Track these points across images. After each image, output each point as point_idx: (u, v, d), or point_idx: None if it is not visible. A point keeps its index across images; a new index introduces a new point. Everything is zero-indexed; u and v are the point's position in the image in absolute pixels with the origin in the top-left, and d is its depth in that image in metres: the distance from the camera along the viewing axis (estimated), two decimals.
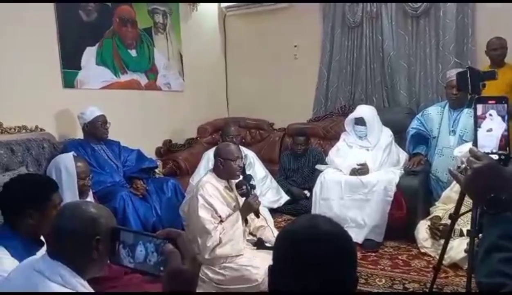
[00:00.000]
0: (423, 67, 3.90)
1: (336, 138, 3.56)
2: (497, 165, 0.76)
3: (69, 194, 1.94)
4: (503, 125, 0.77)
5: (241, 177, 2.42)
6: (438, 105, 3.24)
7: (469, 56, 3.62)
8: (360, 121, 3.28)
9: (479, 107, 0.78)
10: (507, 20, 3.44)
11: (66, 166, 1.98)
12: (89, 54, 3.26)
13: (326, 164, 3.46)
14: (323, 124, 4.14)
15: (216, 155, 2.40)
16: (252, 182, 2.36)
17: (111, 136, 3.03)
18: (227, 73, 4.88)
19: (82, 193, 2.08)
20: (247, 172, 3.60)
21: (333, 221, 0.89)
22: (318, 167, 3.50)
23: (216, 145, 3.74)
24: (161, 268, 0.69)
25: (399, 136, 3.41)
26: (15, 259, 1.32)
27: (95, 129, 2.86)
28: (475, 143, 0.80)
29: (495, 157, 0.77)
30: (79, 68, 3.18)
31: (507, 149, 0.77)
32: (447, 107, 3.14)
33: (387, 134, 3.31)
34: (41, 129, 2.84)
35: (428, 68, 3.86)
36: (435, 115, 3.17)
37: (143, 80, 3.78)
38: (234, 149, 2.39)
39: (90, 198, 2.17)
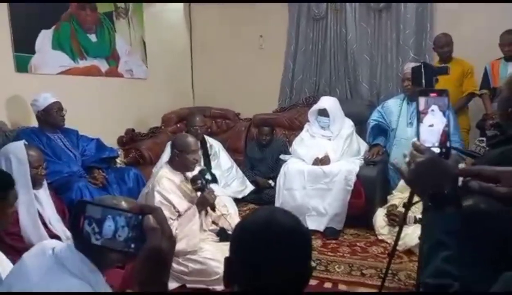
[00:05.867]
0: (384, 60, 4.00)
1: (301, 128, 3.62)
2: (439, 159, 0.76)
3: (21, 184, 1.84)
4: (444, 120, 0.78)
5: (196, 171, 2.37)
6: (397, 98, 3.34)
7: (426, 50, 3.76)
8: (323, 112, 3.35)
9: (422, 101, 0.79)
10: (464, 15, 3.58)
11: (17, 155, 1.87)
12: (45, 38, 3.09)
13: (290, 154, 3.51)
14: (288, 115, 4.18)
15: (172, 146, 2.35)
16: (207, 176, 2.33)
17: (70, 124, 2.89)
18: (192, 61, 4.80)
19: (36, 182, 1.99)
20: (212, 162, 3.60)
21: (290, 214, 0.89)
22: (282, 156, 3.54)
23: None
24: (132, 245, 0.63)
25: (360, 128, 3.51)
26: None
27: (50, 117, 2.72)
28: (417, 137, 0.79)
29: (437, 150, 0.77)
30: (33, 52, 3.01)
31: (448, 142, 0.77)
32: (405, 100, 3.25)
33: (348, 125, 3.40)
34: None
35: (389, 61, 3.97)
36: (394, 107, 3.26)
37: (103, 66, 3.64)
38: (191, 142, 2.32)
39: (44, 188, 2.08)
